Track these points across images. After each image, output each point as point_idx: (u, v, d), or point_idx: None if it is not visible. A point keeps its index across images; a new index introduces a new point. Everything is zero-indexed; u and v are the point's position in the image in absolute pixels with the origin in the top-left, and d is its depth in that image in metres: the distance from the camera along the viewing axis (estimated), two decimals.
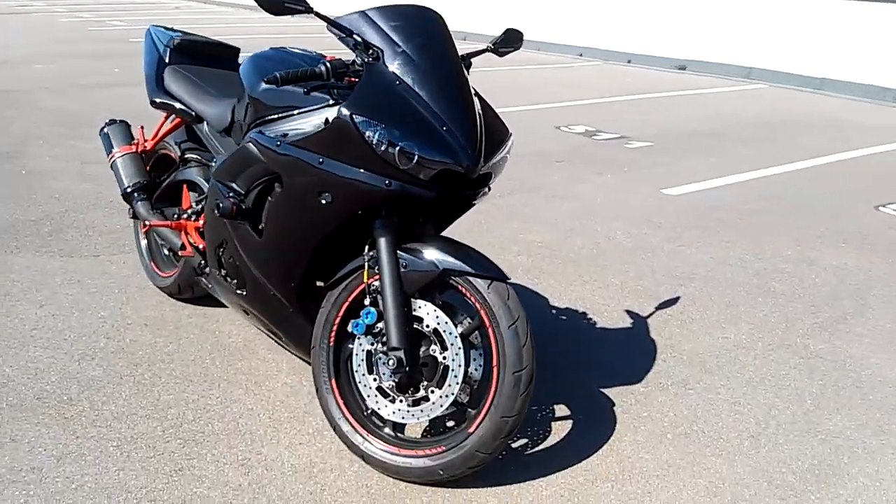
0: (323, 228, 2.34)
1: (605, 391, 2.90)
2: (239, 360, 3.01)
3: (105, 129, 3.41)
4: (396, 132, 2.12)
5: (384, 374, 2.34)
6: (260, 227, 2.54)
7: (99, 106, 7.37)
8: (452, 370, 2.26)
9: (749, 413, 2.81)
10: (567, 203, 5.01)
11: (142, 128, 3.43)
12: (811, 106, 9.18)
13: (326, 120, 2.24)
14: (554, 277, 3.90)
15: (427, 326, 2.28)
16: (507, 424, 2.21)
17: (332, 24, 2.20)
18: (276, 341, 2.87)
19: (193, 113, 3.06)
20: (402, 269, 2.27)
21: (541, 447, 2.57)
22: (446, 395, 2.27)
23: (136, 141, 3.37)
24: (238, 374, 2.90)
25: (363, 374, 2.37)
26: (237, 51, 3.38)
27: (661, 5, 11.85)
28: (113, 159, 3.32)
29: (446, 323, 2.27)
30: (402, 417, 2.33)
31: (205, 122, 3.05)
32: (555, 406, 2.79)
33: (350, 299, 2.41)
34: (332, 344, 2.43)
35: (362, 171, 2.16)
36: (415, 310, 2.29)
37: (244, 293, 2.67)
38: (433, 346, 2.28)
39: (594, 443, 2.59)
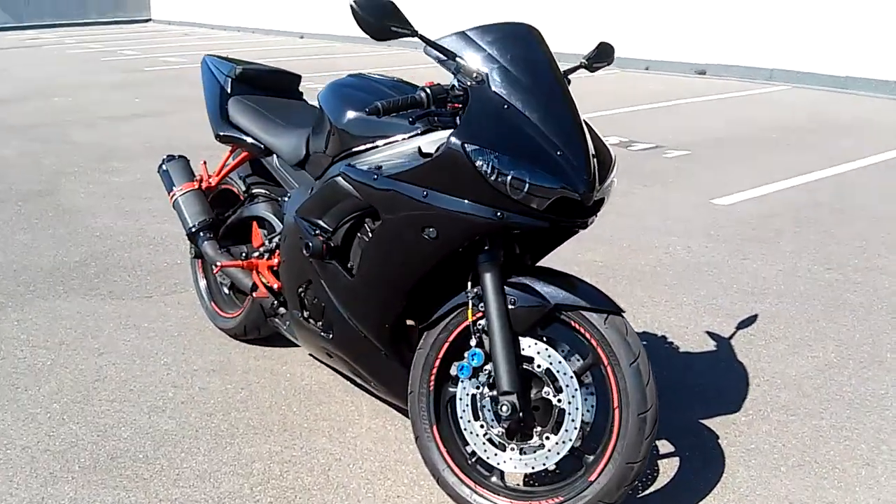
0: (424, 265, 2.21)
1: (705, 422, 2.76)
2: (317, 404, 2.88)
3: (164, 166, 3.30)
4: (509, 160, 1.99)
5: (492, 419, 2.20)
6: (349, 265, 2.42)
7: (128, 138, 7.27)
8: (569, 413, 2.12)
9: (858, 438, 2.67)
10: (619, 218, 4.88)
11: (204, 163, 3.31)
12: (838, 106, 9.05)
13: (420, 149, 2.13)
14: (623, 299, 3.76)
15: (538, 367, 2.15)
16: (632, 471, 2.08)
17: (434, 46, 2.08)
18: (360, 385, 2.74)
19: (263, 146, 2.94)
20: (511, 306, 2.14)
21: (653, 489, 2.43)
22: (563, 442, 2.13)
23: (198, 177, 3.25)
24: (319, 421, 2.77)
25: (468, 421, 2.23)
26: (300, 78, 3.26)
27: (676, 9, 11.75)
28: (175, 197, 3.20)
29: (560, 363, 2.13)
30: (515, 467, 2.19)
31: (274, 156, 2.93)
32: (657, 441, 2.65)
33: (450, 340, 2.27)
34: (432, 388, 2.30)
35: (471, 202, 2.04)
36: (523, 349, 2.16)
37: (330, 336, 2.54)
38: (545, 388, 2.15)
39: (708, 481, 2.45)
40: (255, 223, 3.02)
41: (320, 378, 3.06)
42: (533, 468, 2.17)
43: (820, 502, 2.35)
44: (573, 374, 2.12)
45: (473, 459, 2.29)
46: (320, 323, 2.57)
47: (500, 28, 2.16)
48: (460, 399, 2.24)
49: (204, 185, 3.21)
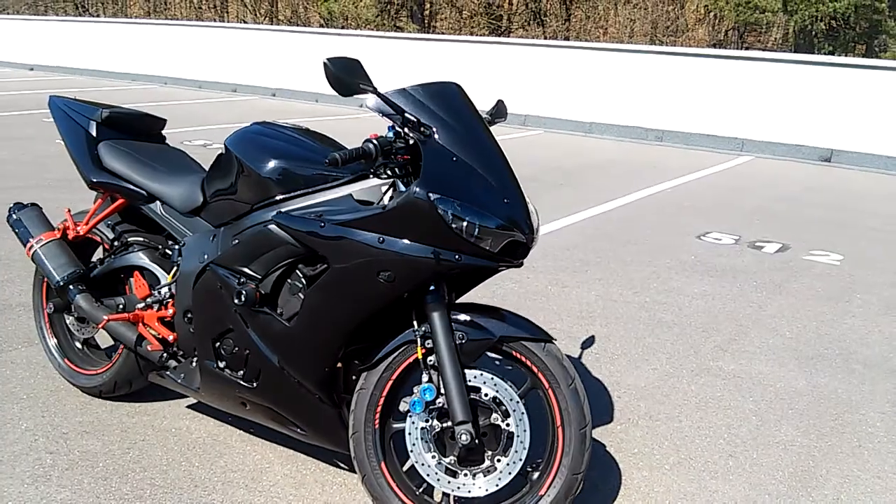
0: (374, 307, 2.27)
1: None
2: (218, 456, 2.77)
3: (14, 215, 3.00)
4: (467, 207, 2.14)
5: (444, 449, 2.31)
6: (279, 312, 2.41)
7: None
8: (518, 436, 2.28)
9: (716, 435, 3.10)
10: None
11: (69, 211, 3.06)
12: (589, 149, 10.14)
13: (353, 196, 2.26)
14: None
15: (485, 395, 2.30)
16: (576, 481, 2.29)
17: (386, 101, 2.18)
18: (270, 435, 2.67)
19: (145, 192, 2.81)
20: (459, 341, 2.27)
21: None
22: (514, 462, 2.29)
23: (59, 226, 2.99)
24: (228, 472, 2.68)
25: (419, 453, 2.32)
26: (164, 122, 3.14)
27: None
28: (34, 249, 2.92)
29: (506, 389, 2.30)
30: (469, 491, 2.31)
31: (158, 202, 2.81)
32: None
33: (393, 378, 2.35)
34: (377, 426, 2.35)
35: (430, 246, 2.15)
36: (469, 380, 2.29)
37: (254, 385, 2.49)
38: (493, 415, 2.30)
39: (613, 486, 2.73)
40: (135, 273, 2.85)
41: (209, 430, 2.94)
42: (487, 490, 2.30)
43: (706, 491, 2.72)
44: (519, 399, 2.30)
45: (420, 490, 2.37)
46: (241, 372, 2.51)
47: (435, 86, 2.31)
48: (409, 434, 2.32)
49: (70, 234, 2.97)
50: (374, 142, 2.20)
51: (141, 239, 2.91)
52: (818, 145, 9.65)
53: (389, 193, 2.33)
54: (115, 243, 2.95)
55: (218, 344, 2.54)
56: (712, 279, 5.02)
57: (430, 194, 2.12)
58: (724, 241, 5.97)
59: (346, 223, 2.22)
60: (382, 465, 2.35)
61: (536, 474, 2.33)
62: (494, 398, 2.30)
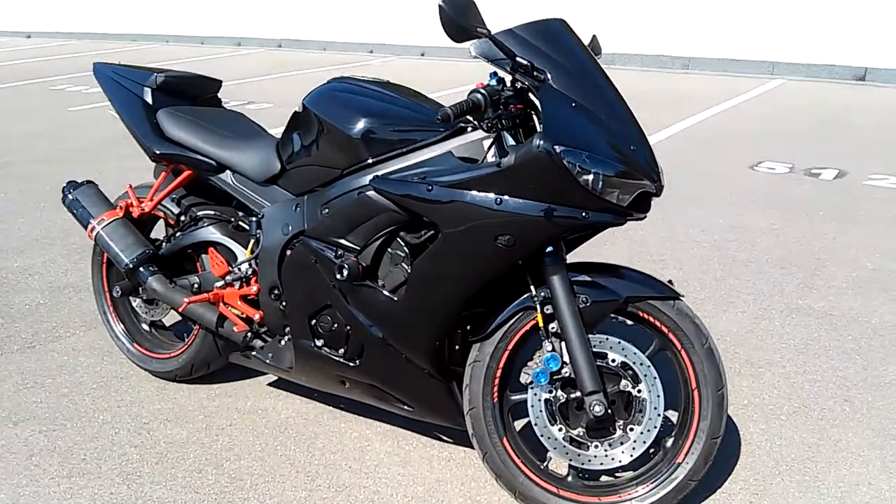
0: (493, 274, 2.09)
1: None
2: (312, 437, 2.63)
3: (71, 195, 2.80)
4: (597, 158, 1.94)
5: (571, 421, 2.16)
6: (381, 284, 2.24)
7: None
8: (651, 402, 2.12)
9: (825, 379, 2.93)
10: None
11: (131, 186, 2.86)
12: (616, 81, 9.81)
13: (453, 153, 2.10)
14: None
15: (613, 361, 2.13)
16: (715, 445, 2.14)
17: (499, 46, 1.96)
18: (367, 411, 2.51)
19: (215, 162, 2.61)
20: (582, 305, 2.09)
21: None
22: (648, 430, 2.13)
23: (122, 203, 2.80)
24: (327, 454, 2.53)
25: (544, 426, 2.16)
26: (220, 83, 2.91)
27: None
28: (96, 230, 2.73)
29: (635, 353, 2.13)
30: (601, 463, 2.16)
31: (228, 172, 2.61)
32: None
33: (510, 348, 2.18)
34: (496, 401, 2.20)
35: (554, 204, 1.96)
36: (594, 346, 2.12)
37: (356, 363, 2.33)
38: (623, 382, 2.14)
39: (732, 444, 2.58)
40: (210, 250, 2.67)
41: (297, 408, 2.80)
42: (620, 461, 2.16)
43: (830, 441, 2.56)
44: (650, 364, 2.13)
45: (545, 464, 2.23)
46: (342, 350, 2.35)
47: (540, 24, 2.09)
48: (532, 406, 2.16)
49: (136, 211, 2.78)
50: (482, 91, 1.99)
51: (211, 212, 2.71)
52: (851, 64, 9.33)
53: (493, 148, 2.14)
54: (182, 218, 2.76)
55: (314, 321, 2.37)
56: (777, 211, 4.82)
57: (556, 146, 1.91)
58: (779, 170, 5.74)
59: (457, 184, 2.03)
60: (504, 440, 2.20)
61: (671, 441, 2.18)
62: (623, 363, 2.13)
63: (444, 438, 2.60)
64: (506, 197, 1.98)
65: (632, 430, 2.13)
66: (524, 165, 1.94)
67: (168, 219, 2.81)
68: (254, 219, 2.55)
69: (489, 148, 2.14)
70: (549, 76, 1.99)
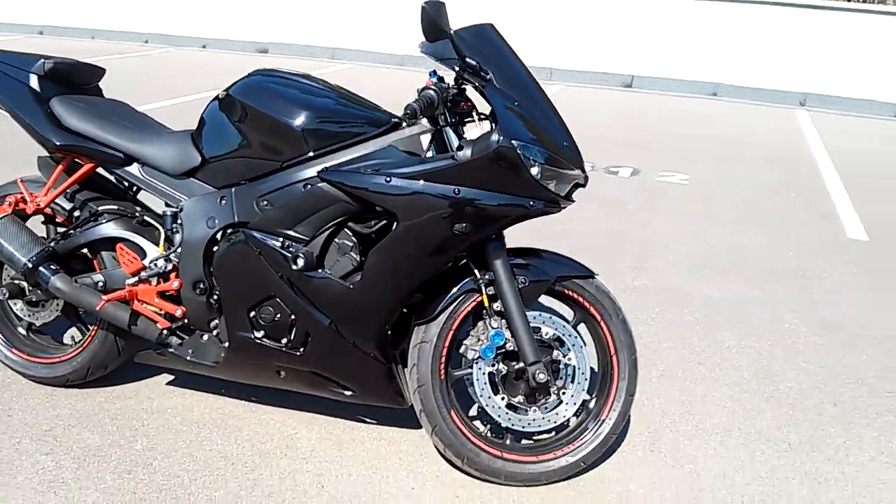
0: (444, 260, 2.26)
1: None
2: (236, 430, 2.63)
3: None
4: (544, 152, 2.17)
5: (511, 390, 2.37)
6: (328, 273, 2.32)
7: None
8: (579, 368, 2.40)
9: (676, 346, 3.39)
10: None
11: (22, 181, 2.64)
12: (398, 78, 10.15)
13: (396, 147, 2.26)
14: None
15: (546, 334, 2.38)
16: (631, 403, 2.46)
17: (455, 46, 2.12)
18: (301, 399, 2.55)
19: (122, 154, 2.51)
20: (521, 285, 2.32)
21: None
22: (577, 393, 2.41)
23: (11, 198, 2.59)
24: (257, 444, 2.55)
25: (489, 397, 2.36)
26: (104, 72, 2.78)
27: None
28: None
29: (564, 326, 2.39)
30: (540, 426, 2.40)
31: (135, 165, 2.54)
32: None
33: (454, 327, 2.36)
34: (443, 377, 2.36)
35: (509, 195, 2.17)
36: (530, 322, 2.35)
37: (300, 352, 2.38)
38: (555, 352, 2.39)
39: None
40: (118, 246, 2.55)
41: (209, 404, 2.76)
42: (556, 422, 2.41)
43: (696, 396, 3.00)
44: (577, 335, 2.40)
45: (485, 430, 2.43)
46: (284, 340, 2.39)
47: (476, 28, 2.28)
48: (477, 379, 2.36)
49: (30, 207, 2.59)
50: (434, 89, 2.16)
51: (113, 207, 2.60)
52: (621, 72, 10.39)
53: (432, 143, 2.30)
54: (77, 214, 2.62)
55: (253, 313, 2.39)
56: (593, 203, 5.35)
57: (514, 141, 2.12)
58: None
59: (415, 175, 2.17)
60: (452, 413, 2.37)
61: (593, 401, 2.46)
62: (555, 336, 2.38)
63: (368, 420, 2.71)
64: (463, 188, 2.15)
65: (564, 393, 2.40)
66: (485, 158, 2.13)
67: (57, 215, 2.66)
68: (168, 212, 2.50)
69: (430, 142, 2.30)
70: (492, 76, 2.19)
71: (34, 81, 2.57)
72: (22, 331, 2.85)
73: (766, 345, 3.48)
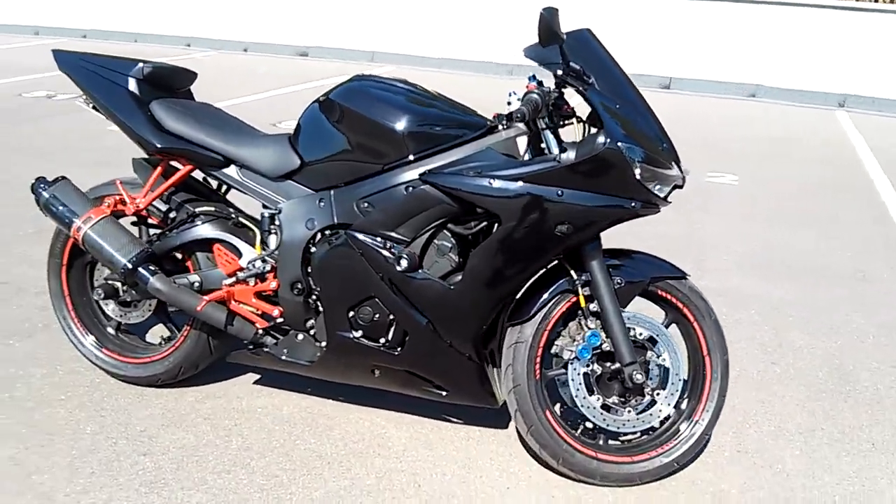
0: (544, 261, 2.30)
1: None
2: (327, 429, 2.67)
3: (46, 194, 2.61)
4: (648, 154, 2.20)
5: (605, 391, 2.40)
6: (425, 273, 2.35)
7: None
8: (671, 369, 2.42)
9: (747, 347, 3.40)
10: None
11: (120, 182, 2.70)
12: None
13: (492, 149, 2.29)
14: None
15: (640, 335, 2.40)
16: (722, 403, 2.47)
17: (562, 51, 2.15)
18: (392, 398, 2.59)
19: (221, 157, 2.57)
20: (617, 286, 2.34)
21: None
22: (672, 394, 2.43)
23: (111, 199, 2.65)
24: (350, 444, 2.59)
25: (584, 397, 2.39)
26: (195, 76, 2.83)
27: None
28: (82, 230, 2.57)
29: (657, 326, 2.41)
30: (634, 426, 2.42)
31: (233, 167, 2.59)
32: None
33: (549, 328, 2.39)
34: (538, 377, 2.39)
35: (612, 196, 2.20)
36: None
37: (397, 352, 2.42)
38: (648, 353, 2.41)
39: None
40: (215, 247, 2.61)
41: (296, 403, 2.81)
42: (650, 423, 2.43)
43: (776, 396, 3.00)
44: (669, 335, 2.42)
45: (579, 431, 2.45)
46: (382, 340, 2.43)
47: (575, 33, 2.31)
48: (572, 380, 2.38)
49: (129, 209, 2.65)
50: (537, 92, 2.19)
51: (210, 209, 2.66)
52: (660, 73, 10.38)
53: (525, 145, 2.34)
54: (172, 215, 2.68)
55: (352, 313, 2.43)
56: None
57: (620, 143, 2.15)
58: None
59: (519, 177, 2.20)
60: (547, 413, 2.39)
61: (686, 402, 2.48)
62: (648, 336, 2.41)
63: (454, 419, 2.74)
64: (566, 189, 2.18)
65: (658, 394, 2.42)
66: (592, 161, 2.16)
67: (151, 216, 2.72)
68: (266, 214, 2.55)
69: (528, 145, 2.34)
70: (594, 80, 2.22)
71: (133, 85, 2.63)
72: (111, 330, 2.91)
73: (835, 345, 3.48)
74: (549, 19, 2.05)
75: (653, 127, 2.28)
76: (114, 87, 2.63)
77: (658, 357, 2.41)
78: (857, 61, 9.77)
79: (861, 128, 8.47)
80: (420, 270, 2.34)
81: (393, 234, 2.34)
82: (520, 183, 2.20)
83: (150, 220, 2.74)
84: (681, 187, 2.33)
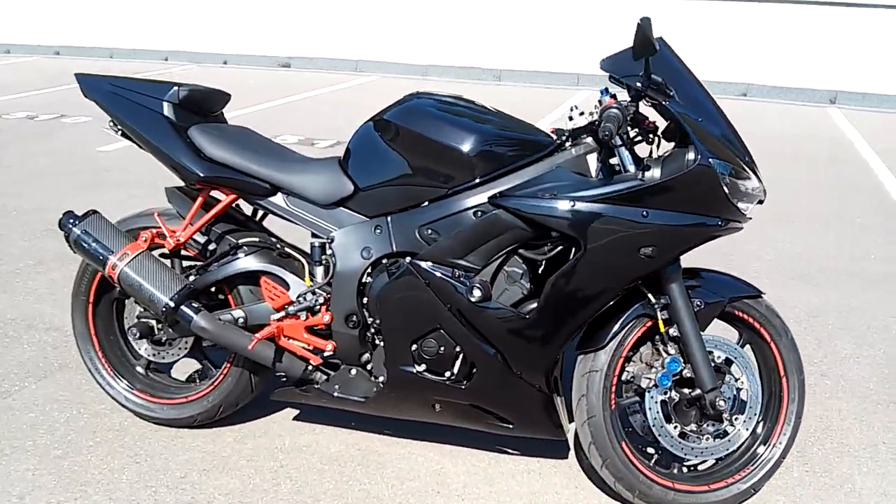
0: (626, 286, 2.17)
1: None
2: (379, 467, 2.52)
3: (77, 230, 2.44)
4: (731, 168, 2.09)
5: (683, 418, 2.28)
6: (497, 302, 2.22)
7: None
8: (750, 392, 2.31)
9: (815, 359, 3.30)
10: None
11: (158, 214, 2.53)
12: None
13: (562, 167, 2.19)
14: None
15: (718, 358, 2.28)
16: (799, 425, 2.37)
17: (647, 63, 2.03)
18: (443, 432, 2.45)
19: (268, 185, 2.42)
20: (697, 308, 2.23)
21: None
22: (749, 418, 2.32)
23: (148, 233, 2.48)
24: (405, 482, 2.45)
25: (661, 426, 2.27)
26: (229, 97, 2.67)
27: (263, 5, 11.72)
28: (119, 268, 2.40)
29: (735, 349, 2.30)
30: (712, 454, 2.31)
31: (280, 195, 2.44)
32: None
33: (623, 355, 2.26)
34: (614, 407, 2.26)
35: (699, 215, 2.09)
36: None
37: (463, 385, 2.28)
38: (727, 377, 2.30)
39: None
40: (263, 280, 2.45)
41: (343, 440, 2.66)
42: (728, 450, 2.32)
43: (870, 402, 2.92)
44: (746, 358, 2.31)
45: (653, 462, 2.33)
46: (448, 373, 2.29)
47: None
48: (649, 409, 2.26)
49: (169, 243, 2.48)
50: (616, 107, 2.07)
51: (254, 239, 2.50)
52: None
53: (596, 162, 2.22)
54: (211, 247, 2.52)
55: (415, 346, 2.29)
56: None
57: (711, 160, 2.04)
58: None
59: (602, 199, 2.07)
60: (623, 444, 2.27)
61: (762, 425, 2.37)
62: (727, 359, 2.29)
63: (511, 452, 2.61)
64: (651, 209, 2.06)
65: (736, 419, 2.30)
66: (683, 179, 2.05)
67: (188, 248, 2.55)
68: (317, 244, 2.41)
69: (602, 162, 2.21)
70: (674, 93, 2.11)
71: (168, 110, 2.47)
72: (140, 370, 2.74)
73: (880, 352, 3.40)
74: (646, 29, 1.93)
75: (733, 140, 2.16)
76: (148, 113, 2.46)
77: (736, 381, 2.30)
78: (846, 57, 9.80)
79: (857, 124, 8.47)
80: (490, 301, 2.21)
81: (462, 262, 2.20)
82: (603, 204, 2.07)
83: (183, 253, 2.58)
84: (762, 202, 2.22)
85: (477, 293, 2.15)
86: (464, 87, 10.05)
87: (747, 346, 2.37)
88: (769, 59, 10.05)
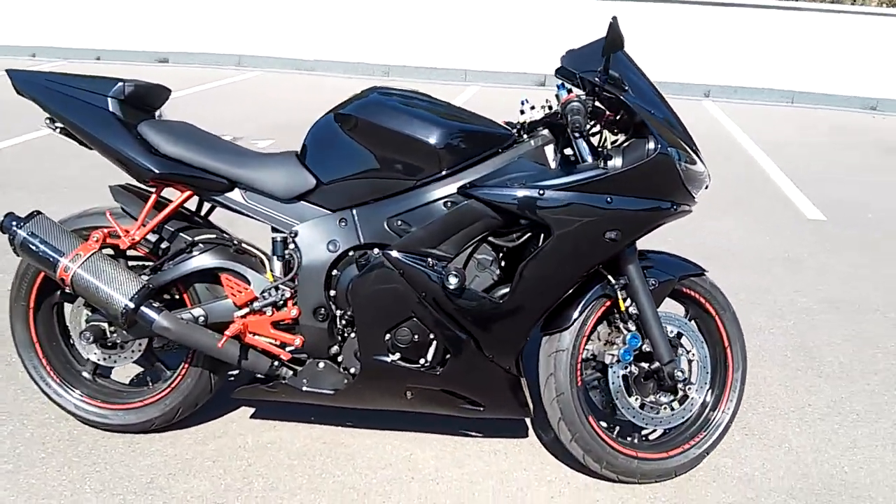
0: (590, 268, 2.29)
1: None
2: (349, 458, 2.55)
3: (23, 231, 2.32)
4: (687, 156, 2.25)
5: (642, 390, 2.42)
6: (470, 289, 2.29)
7: None
8: (699, 363, 2.49)
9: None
10: None
11: (110, 213, 2.43)
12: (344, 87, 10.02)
13: (526, 156, 2.29)
14: None
15: (671, 332, 2.44)
16: (743, 391, 2.56)
17: (608, 61, 2.15)
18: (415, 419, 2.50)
19: (226, 180, 2.39)
20: (652, 287, 2.38)
21: None
22: (700, 388, 2.49)
23: (99, 233, 2.38)
24: (378, 470, 2.49)
25: (625, 399, 2.40)
26: (169, 92, 2.60)
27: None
28: (71, 270, 2.30)
29: (686, 324, 2.47)
30: (670, 422, 2.47)
31: (237, 190, 2.41)
32: None
33: (587, 334, 2.38)
34: (580, 384, 2.38)
35: (657, 199, 2.23)
36: None
37: (437, 372, 2.34)
38: (679, 349, 2.46)
39: None
40: (224, 277, 2.41)
41: (306, 434, 2.66)
42: (684, 417, 2.48)
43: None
44: (695, 331, 2.49)
45: (616, 433, 2.47)
46: (422, 361, 2.34)
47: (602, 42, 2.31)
48: (612, 383, 2.40)
49: (125, 242, 2.39)
50: (577, 101, 2.18)
51: (210, 236, 2.46)
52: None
53: (552, 153, 2.33)
54: (164, 246, 2.46)
55: (389, 336, 2.32)
56: None
57: (669, 148, 2.18)
58: None
59: (569, 187, 2.18)
60: (590, 419, 2.39)
61: (711, 393, 2.55)
62: (678, 333, 2.46)
63: (474, 434, 2.69)
64: (615, 196, 2.19)
65: (689, 388, 2.47)
66: (643, 166, 2.19)
67: (139, 248, 2.48)
68: (278, 238, 2.40)
69: (558, 153, 2.32)
70: (629, 88, 2.24)
71: (114, 106, 2.39)
72: (87, 375, 2.64)
73: (790, 324, 3.69)
74: (617, 28, 2.05)
75: (682, 130, 2.32)
76: (93, 110, 2.37)
77: (688, 353, 2.47)
78: (720, 54, 10.40)
79: (731, 115, 9.03)
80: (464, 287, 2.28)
81: (435, 252, 2.26)
82: (571, 192, 2.18)
83: (132, 252, 2.50)
84: (707, 187, 2.39)
85: (453, 280, 2.21)
86: (351, 84, 10.03)
87: (692, 321, 2.55)
88: (652, 57, 10.51)
